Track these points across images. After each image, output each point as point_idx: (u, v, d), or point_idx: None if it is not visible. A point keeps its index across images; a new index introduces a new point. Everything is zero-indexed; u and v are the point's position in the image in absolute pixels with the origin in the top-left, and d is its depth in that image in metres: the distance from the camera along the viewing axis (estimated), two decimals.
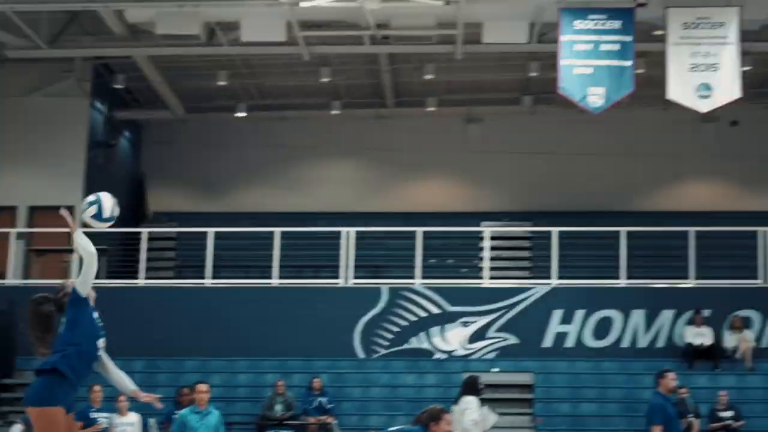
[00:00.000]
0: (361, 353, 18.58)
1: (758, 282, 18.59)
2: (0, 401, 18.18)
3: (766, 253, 18.75)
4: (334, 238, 19.53)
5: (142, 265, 19.66)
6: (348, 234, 19.33)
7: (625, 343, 18.35)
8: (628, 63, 16.93)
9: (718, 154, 23.38)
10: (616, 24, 17.02)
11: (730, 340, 18.09)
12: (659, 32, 17.60)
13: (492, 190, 24.14)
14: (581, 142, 23.33)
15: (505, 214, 23.72)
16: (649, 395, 11.56)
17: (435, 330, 18.55)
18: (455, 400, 12.80)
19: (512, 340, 18.46)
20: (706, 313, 18.19)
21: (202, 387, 11.85)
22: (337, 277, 19.27)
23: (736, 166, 23.23)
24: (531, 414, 17.65)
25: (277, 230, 19.58)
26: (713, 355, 17.92)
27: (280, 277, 19.30)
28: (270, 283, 19.30)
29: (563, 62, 16.94)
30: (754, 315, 18.32)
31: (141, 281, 19.65)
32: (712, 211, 22.50)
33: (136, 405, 13.58)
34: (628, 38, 16.99)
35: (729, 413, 16.50)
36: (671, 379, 10.79)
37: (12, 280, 19.75)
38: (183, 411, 12.14)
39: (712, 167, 23.59)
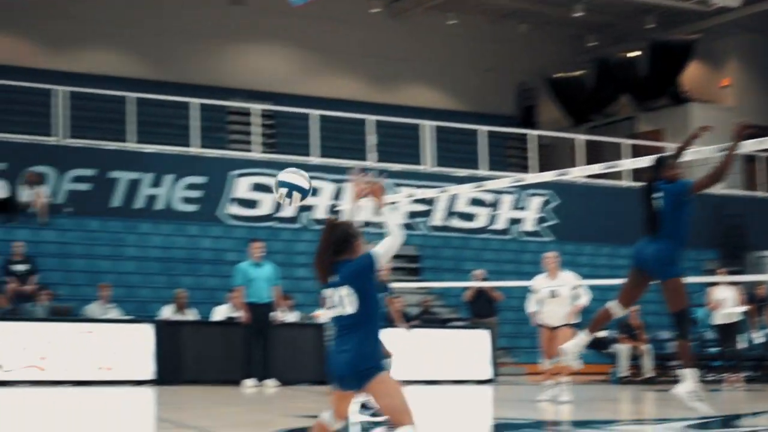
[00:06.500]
0: None
1: (53, 139, 19.14)
2: None
3: (61, 111, 19.29)
4: None
5: None
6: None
7: None
8: None
9: None
10: None
11: (25, 195, 18.28)
12: None
13: None
14: None
15: None
16: None
17: None
18: None
19: None
20: (2, 166, 18.36)
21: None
22: None
23: None
24: None
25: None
26: (9, 209, 18.11)
27: None
28: None
29: None
30: (49, 171, 18.65)
31: None
32: (13, 66, 22.19)
33: None
34: None
35: (24, 267, 16.32)
36: None
37: None
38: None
39: None
